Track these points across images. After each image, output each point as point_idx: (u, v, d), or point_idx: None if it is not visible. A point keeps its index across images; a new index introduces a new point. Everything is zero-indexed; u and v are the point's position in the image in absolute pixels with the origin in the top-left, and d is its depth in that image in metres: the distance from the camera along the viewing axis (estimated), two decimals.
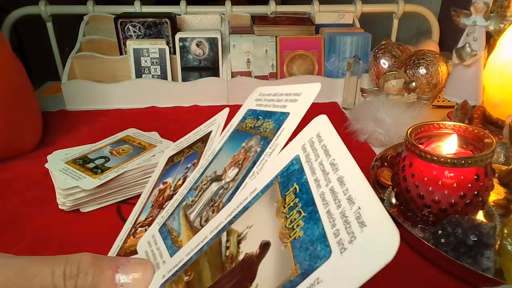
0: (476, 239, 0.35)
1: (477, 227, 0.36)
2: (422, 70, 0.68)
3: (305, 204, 0.18)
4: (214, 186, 0.27)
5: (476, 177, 0.38)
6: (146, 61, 0.80)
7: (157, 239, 0.27)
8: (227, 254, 0.20)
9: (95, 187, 0.43)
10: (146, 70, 0.80)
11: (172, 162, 0.39)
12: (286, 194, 0.20)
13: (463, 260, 0.35)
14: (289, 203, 0.19)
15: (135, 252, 0.29)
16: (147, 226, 0.32)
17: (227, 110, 0.36)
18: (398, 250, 0.14)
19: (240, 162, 0.26)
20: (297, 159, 0.21)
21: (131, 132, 0.58)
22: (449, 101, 0.66)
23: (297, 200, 0.19)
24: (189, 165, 0.35)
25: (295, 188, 0.19)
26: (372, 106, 0.61)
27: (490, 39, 0.62)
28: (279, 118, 0.26)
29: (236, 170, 0.26)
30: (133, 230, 0.34)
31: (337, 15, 0.91)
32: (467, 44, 0.57)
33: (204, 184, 0.28)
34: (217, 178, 0.27)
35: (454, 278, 0.36)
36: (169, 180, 0.36)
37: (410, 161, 0.41)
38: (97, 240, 0.40)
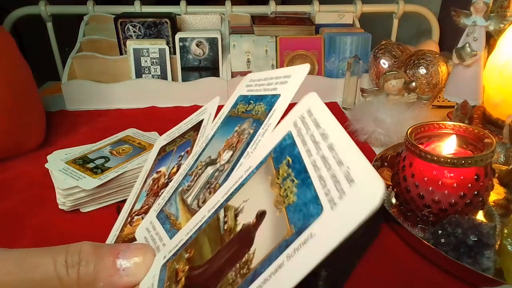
0: (476, 239, 0.35)
1: (477, 227, 0.36)
2: (422, 70, 0.68)
3: (297, 173, 0.19)
4: (210, 170, 0.27)
5: (476, 177, 0.38)
6: (146, 61, 0.80)
7: (155, 225, 0.28)
8: (225, 228, 0.21)
9: (95, 187, 0.43)
10: (146, 70, 0.80)
11: (164, 152, 0.39)
12: (280, 166, 0.20)
13: (463, 260, 0.35)
14: (283, 174, 0.20)
15: (133, 239, 0.29)
16: (143, 214, 0.32)
17: (217, 98, 0.36)
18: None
19: (234, 145, 0.26)
20: (289, 135, 0.21)
21: (131, 132, 0.58)
22: (449, 101, 0.66)
23: (290, 170, 0.20)
24: (182, 153, 0.35)
25: (288, 160, 0.20)
26: (372, 106, 0.61)
27: (490, 39, 0.62)
28: (270, 100, 0.26)
29: (231, 152, 0.26)
30: (129, 219, 0.34)
31: (337, 15, 0.91)
32: (467, 44, 0.57)
33: (199, 169, 0.28)
34: (212, 162, 0.28)
35: (454, 278, 0.36)
36: (162, 169, 0.36)
37: (410, 161, 0.41)
38: (97, 240, 0.39)
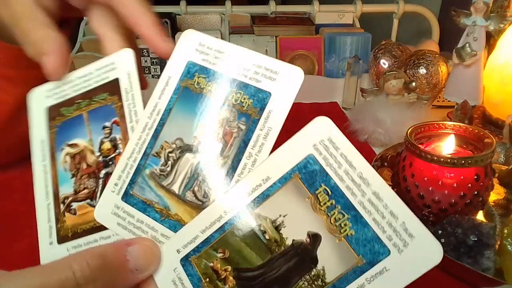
0: (476, 239, 0.35)
1: (477, 227, 0.36)
2: (422, 70, 0.68)
3: (344, 207, 0.21)
4: (191, 158, 0.26)
5: (476, 177, 0.38)
6: (146, 61, 0.80)
7: (128, 211, 0.27)
8: (266, 237, 0.23)
9: None
10: (146, 70, 0.80)
11: (63, 117, 0.32)
12: (317, 192, 0.22)
13: (463, 260, 0.35)
14: (325, 203, 0.22)
15: (91, 230, 0.28)
16: (88, 200, 0.29)
17: (129, 52, 0.30)
18: None
19: (221, 137, 0.26)
20: (313, 159, 0.22)
21: None
22: (449, 101, 0.65)
23: (333, 201, 0.22)
24: (107, 124, 0.30)
25: (326, 189, 0.22)
26: (372, 106, 0.61)
27: (490, 39, 0.62)
28: (257, 95, 0.25)
29: (219, 144, 0.25)
30: (62, 207, 0.30)
31: (337, 15, 0.91)
32: (467, 44, 0.57)
33: (170, 152, 0.27)
34: (189, 149, 0.26)
35: (454, 278, 0.36)
36: (78, 141, 0.31)
37: (410, 161, 0.41)
38: None
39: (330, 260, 0.21)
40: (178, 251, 0.24)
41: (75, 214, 0.29)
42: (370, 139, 0.60)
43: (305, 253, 0.22)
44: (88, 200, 0.29)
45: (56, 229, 0.30)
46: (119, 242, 0.24)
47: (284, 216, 0.22)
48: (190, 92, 0.27)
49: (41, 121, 0.32)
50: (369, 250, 0.20)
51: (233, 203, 0.24)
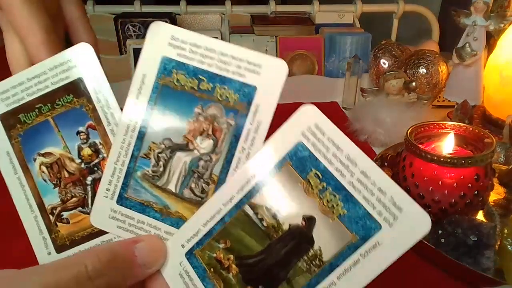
0: (476, 239, 0.35)
1: (477, 227, 0.36)
2: (422, 70, 0.68)
3: (335, 188, 0.22)
4: (185, 157, 0.26)
5: (476, 177, 0.38)
6: None
7: (126, 213, 0.27)
8: (265, 224, 0.24)
9: None
10: None
11: (24, 124, 0.29)
12: (308, 177, 0.23)
13: (463, 260, 0.35)
14: (317, 186, 0.23)
15: (91, 236, 0.28)
16: (79, 208, 0.28)
17: (87, 48, 0.28)
18: None
19: (210, 133, 0.26)
20: (302, 146, 0.23)
21: None
22: (449, 101, 0.66)
23: (324, 184, 0.23)
24: (81, 129, 0.28)
25: (316, 173, 0.23)
26: (372, 106, 0.61)
27: (490, 39, 0.62)
28: (242, 89, 0.25)
29: (210, 141, 0.26)
30: (52, 218, 0.29)
31: (337, 15, 0.91)
32: (467, 44, 0.57)
33: (160, 153, 0.27)
34: (180, 148, 0.26)
35: (454, 278, 0.36)
36: (51, 150, 0.29)
37: (410, 161, 0.41)
38: None
39: (325, 239, 0.22)
40: (183, 246, 0.25)
41: (68, 223, 0.29)
42: (370, 139, 0.60)
43: (301, 236, 0.23)
44: (80, 208, 0.29)
45: (51, 239, 0.29)
46: (126, 239, 0.25)
47: (279, 203, 0.24)
48: (170, 90, 0.26)
49: (1, 134, 0.30)
50: (362, 226, 0.21)
51: (230, 196, 0.25)
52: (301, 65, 0.83)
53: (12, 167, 0.30)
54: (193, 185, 0.26)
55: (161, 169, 0.27)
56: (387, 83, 0.64)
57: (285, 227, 0.23)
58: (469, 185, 0.38)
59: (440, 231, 0.37)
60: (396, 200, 0.21)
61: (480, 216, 0.43)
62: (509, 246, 0.35)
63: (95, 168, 0.29)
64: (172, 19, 0.81)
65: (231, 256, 0.24)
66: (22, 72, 0.29)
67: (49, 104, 0.29)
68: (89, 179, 0.29)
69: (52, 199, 0.29)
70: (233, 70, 0.25)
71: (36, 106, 0.29)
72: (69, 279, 0.20)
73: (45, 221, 0.29)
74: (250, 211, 0.24)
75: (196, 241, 0.25)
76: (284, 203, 0.23)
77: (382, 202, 0.21)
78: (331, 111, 0.75)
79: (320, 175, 0.23)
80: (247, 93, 0.25)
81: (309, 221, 0.23)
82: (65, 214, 0.29)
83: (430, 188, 0.39)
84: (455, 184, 0.38)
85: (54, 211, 0.29)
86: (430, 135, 0.44)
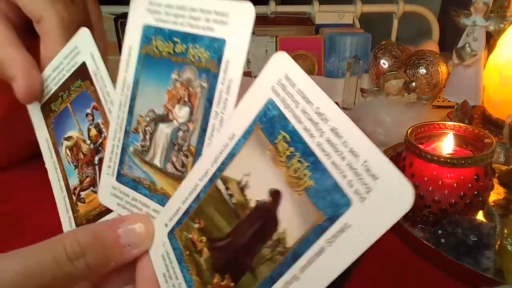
0: (476, 239, 0.35)
1: (477, 227, 0.36)
2: (422, 70, 0.68)
3: (303, 153, 0.18)
4: (166, 128, 0.25)
5: (476, 177, 0.38)
6: None
7: (124, 191, 0.27)
8: (233, 201, 0.21)
9: None
10: None
11: (54, 113, 0.33)
12: (276, 142, 0.19)
13: (463, 260, 0.35)
14: (285, 152, 0.19)
15: (99, 215, 0.29)
16: (91, 187, 0.30)
17: (85, 31, 0.29)
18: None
19: (186, 99, 0.24)
20: (272, 104, 0.20)
21: None
22: (449, 101, 0.66)
23: (292, 149, 0.19)
24: (88, 111, 0.30)
25: (284, 136, 0.19)
26: (372, 106, 0.61)
27: (490, 39, 0.62)
28: (212, 45, 0.22)
29: (187, 109, 0.24)
30: (74, 198, 0.31)
31: (337, 15, 0.91)
32: (467, 44, 0.57)
33: (146, 126, 0.26)
34: (162, 119, 0.25)
35: (454, 278, 0.36)
36: (72, 134, 0.31)
37: (410, 161, 0.41)
38: None
39: (291, 220, 0.18)
40: (166, 225, 0.24)
41: (84, 202, 0.31)
42: (370, 139, 0.60)
43: (266, 214, 0.19)
44: (92, 187, 0.30)
45: (73, 218, 0.31)
46: (113, 219, 0.25)
47: (248, 175, 0.20)
48: (151, 58, 0.25)
49: (39, 120, 0.33)
50: (329, 203, 0.17)
51: (206, 169, 0.22)
52: (301, 65, 0.82)
53: (49, 152, 0.33)
54: (174, 159, 0.25)
55: (148, 143, 0.26)
56: (387, 83, 0.64)
57: (252, 204, 0.20)
58: (469, 185, 0.38)
59: (440, 231, 0.37)
60: (370, 165, 0.16)
61: (480, 216, 0.43)
62: (509, 246, 0.35)
63: (100, 148, 0.29)
64: None
65: (204, 238, 0.22)
66: (48, 65, 0.31)
67: (66, 91, 0.31)
68: (96, 158, 0.30)
69: (73, 180, 0.31)
70: (203, 25, 0.23)
71: (59, 95, 0.31)
72: (49, 259, 0.20)
73: (70, 201, 0.32)
74: (221, 186, 0.21)
75: (176, 220, 0.23)
76: (252, 176, 0.20)
77: (354, 169, 0.17)
78: None
79: (288, 138, 0.19)
80: (216, 48, 0.22)
81: (275, 196, 0.19)
82: (82, 194, 0.31)
83: (430, 188, 0.39)
84: (455, 184, 0.38)
85: (75, 191, 0.31)
86: (430, 135, 0.44)
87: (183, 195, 0.23)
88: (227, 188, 0.21)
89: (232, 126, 0.21)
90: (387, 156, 0.52)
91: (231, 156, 0.21)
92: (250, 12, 0.22)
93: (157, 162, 0.25)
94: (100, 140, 0.29)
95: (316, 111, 0.18)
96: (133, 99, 0.26)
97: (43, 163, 0.48)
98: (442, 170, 0.39)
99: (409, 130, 0.42)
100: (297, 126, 0.19)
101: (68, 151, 0.31)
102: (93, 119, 0.30)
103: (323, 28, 0.87)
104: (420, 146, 0.40)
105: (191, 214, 0.23)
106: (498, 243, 0.36)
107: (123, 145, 0.27)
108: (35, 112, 0.33)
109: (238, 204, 0.20)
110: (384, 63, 0.75)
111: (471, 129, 0.42)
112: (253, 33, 0.83)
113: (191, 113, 0.24)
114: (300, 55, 0.82)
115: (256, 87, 0.21)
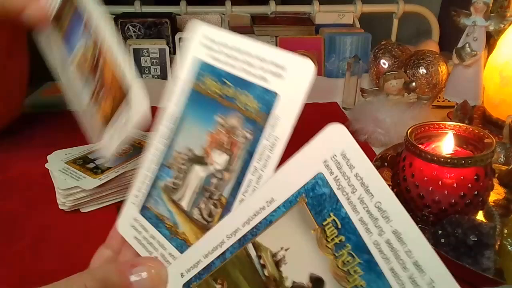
0: (476, 239, 0.35)
1: (477, 227, 0.36)
2: (422, 70, 0.68)
3: (356, 248, 0.17)
4: (200, 172, 0.24)
5: (476, 177, 0.38)
6: (146, 61, 0.80)
7: (144, 225, 0.26)
8: (266, 274, 0.20)
9: (95, 187, 0.43)
10: (146, 70, 0.80)
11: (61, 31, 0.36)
12: (324, 224, 0.18)
13: (463, 260, 0.35)
14: (333, 238, 0.18)
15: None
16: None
17: None
18: None
19: (227, 147, 0.23)
20: (322, 179, 0.18)
21: None
22: (449, 101, 0.66)
23: (342, 238, 0.17)
24: (80, 30, 0.34)
25: (335, 221, 0.18)
26: (372, 106, 0.61)
27: (490, 39, 0.62)
28: (263, 96, 0.21)
29: (226, 157, 0.23)
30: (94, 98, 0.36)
31: (337, 15, 0.91)
32: (467, 44, 0.57)
33: (182, 164, 0.25)
34: (199, 160, 0.24)
35: (454, 278, 0.36)
36: (78, 46, 0.35)
37: (410, 161, 0.41)
38: (97, 240, 0.39)
39: None
40: (182, 275, 0.23)
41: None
42: (370, 139, 0.60)
43: None
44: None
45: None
46: (124, 263, 0.24)
47: (286, 250, 0.19)
48: (199, 94, 0.24)
49: (56, 38, 0.37)
50: None
51: (236, 227, 0.21)
52: None
53: (64, 69, 0.39)
54: (202, 205, 0.24)
55: (180, 182, 0.25)
56: (387, 83, 0.64)
57: (288, 284, 0.19)
58: (469, 185, 0.38)
59: (440, 231, 0.37)
60: (437, 286, 0.15)
61: (480, 216, 0.43)
62: (509, 246, 0.35)
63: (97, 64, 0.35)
64: (172, 19, 0.81)
65: None
66: None
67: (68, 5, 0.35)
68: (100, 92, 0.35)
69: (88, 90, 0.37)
70: (257, 73, 0.22)
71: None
72: None
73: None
74: (253, 252, 0.20)
75: (195, 273, 0.23)
76: (291, 252, 0.19)
77: (417, 285, 0.15)
78: (331, 111, 0.76)
79: (339, 224, 0.17)
80: (267, 100, 0.21)
81: (316, 284, 0.18)
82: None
83: (430, 188, 0.39)
84: (455, 184, 0.38)
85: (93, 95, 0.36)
86: (430, 135, 0.44)
87: (206, 249, 0.22)
88: (259, 257, 0.20)
89: (272, 189, 0.20)
90: (387, 156, 0.52)
91: (267, 222, 0.20)
92: (309, 70, 0.20)
93: (184, 204, 0.25)
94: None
95: (376, 205, 0.17)
96: (174, 134, 0.25)
97: (45, 161, 0.48)
98: (442, 170, 0.39)
99: (409, 130, 0.42)
100: (351, 215, 0.17)
101: (80, 57, 0.34)
102: (83, 36, 0.33)
103: (323, 28, 0.87)
104: (420, 146, 0.40)
105: (213, 272, 0.22)
106: (498, 243, 0.36)
107: (155, 178, 0.26)
108: (46, 34, 0.35)
109: (271, 278, 0.19)
110: (384, 63, 0.75)
111: (471, 129, 0.42)
112: (253, 33, 0.83)
113: (229, 162, 0.23)
114: (300, 55, 0.82)
115: (305, 154, 0.19)
